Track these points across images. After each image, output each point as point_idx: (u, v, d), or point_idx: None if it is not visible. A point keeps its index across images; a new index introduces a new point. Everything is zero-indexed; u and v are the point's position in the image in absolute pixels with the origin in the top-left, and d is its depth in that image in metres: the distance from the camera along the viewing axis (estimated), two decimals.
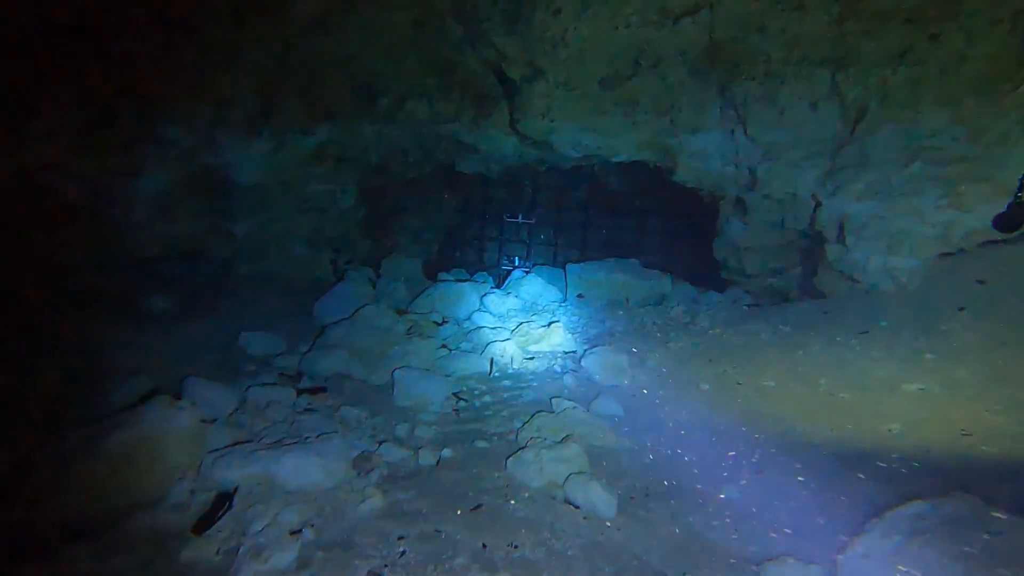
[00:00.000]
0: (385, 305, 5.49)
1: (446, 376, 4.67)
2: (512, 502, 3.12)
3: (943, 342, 4.53)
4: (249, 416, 4.07)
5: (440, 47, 6.53)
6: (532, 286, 7.49)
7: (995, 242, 4.94)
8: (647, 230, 10.59)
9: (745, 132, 6.61)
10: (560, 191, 10.67)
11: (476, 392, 4.69)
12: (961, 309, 4.79)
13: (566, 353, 5.46)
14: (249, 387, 4.39)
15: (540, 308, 7.13)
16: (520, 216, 10.28)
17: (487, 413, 4.32)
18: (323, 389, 4.54)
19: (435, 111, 7.20)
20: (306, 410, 4.25)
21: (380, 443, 3.78)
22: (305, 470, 3.27)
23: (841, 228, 5.90)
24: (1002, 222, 4.40)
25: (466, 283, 6.74)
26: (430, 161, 8.68)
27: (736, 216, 7.54)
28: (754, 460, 3.45)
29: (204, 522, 2.98)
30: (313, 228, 7.79)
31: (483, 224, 10.75)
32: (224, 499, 3.10)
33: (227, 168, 6.09)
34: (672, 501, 3.12)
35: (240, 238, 6.83)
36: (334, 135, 6.90)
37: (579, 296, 7.61)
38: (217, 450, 3.40)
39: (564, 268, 7.87)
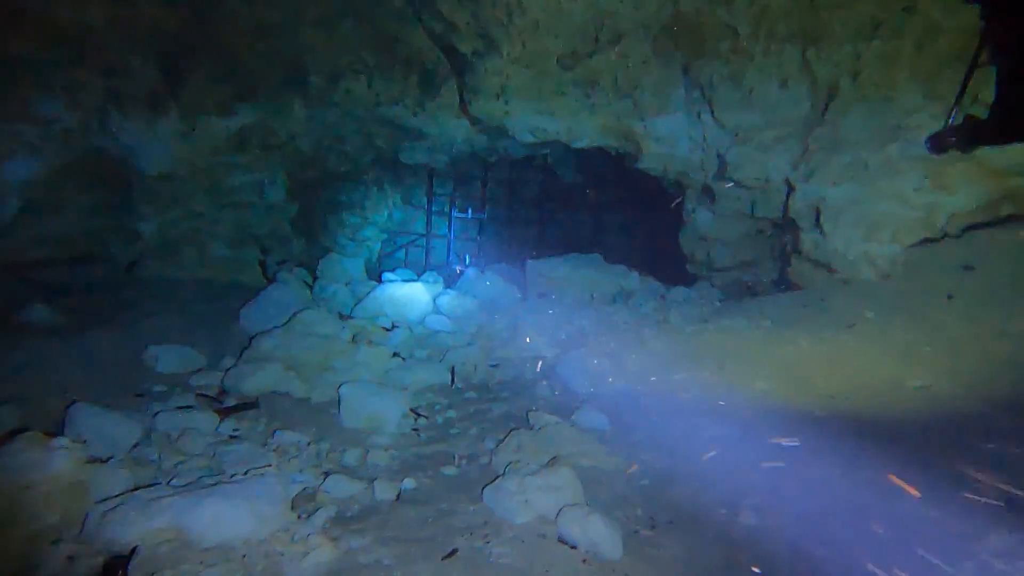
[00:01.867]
0: (325, 310, 4.85)
1: (401, 389, 4.10)
2: (494, 545, 2.60)
3: (937, 334, 4.36)
4: (157, 450, 3.36)
5: (379, 16, 5.93)
6: (490, 285, 6.99)
7: (982, 225, 4.84)
8: (605, 224, 10.31)
9: (712, 115, 6.37)
10: (512, 184, 10.24)
11: (438, 407, 4.13)
12: (950, 297, 4.64)
13: (535, 358, 4.98)
14: (157, 413, 3.66)
15: (500, 308, 6.63)
16: (470, 211, 9.75)
17: (453, 432, 3.78)
18: (254, 406, 3.87)
19: (375, 91, 6.59)
20: (231, 438, 3.57)
21: (326, 475, 3.17)
22: (229, 518, 2.63)
23: (817, 214, 5.73)
24: (935, 143, 4.10)
25: (416, 283, 6.15)
26: (370, 151, 8.02)
27: (703, 205, 7.31)
28: (766, 476, 3.08)
29: None
30: (237, 225, 6.98)
31: (429, 221, 10.15)
32: (117, 566, 2.42)
33: (126, 154, 5.25)
34: (685, 532, 2.69)
35: (147, 237, 5.97)
36: (258, 117, 6.16)
37: (541, 295, 7.17)
38: (109, 499, 2.71)
39: (523, 266, 7.41)
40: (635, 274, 7.08)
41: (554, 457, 3.08)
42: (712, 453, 3.35)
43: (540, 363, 4.81)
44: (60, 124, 4.44)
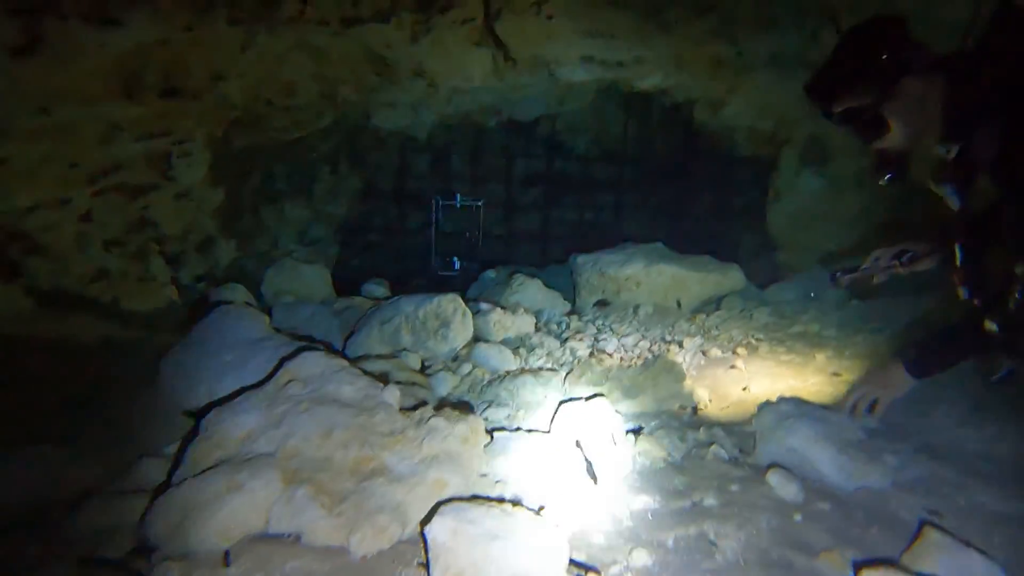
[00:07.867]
0: (326, 352, 2.83)
1: (513, 506, 2.18)
2: None
3: None
4: None
5: None
6: (530, 293, 5.15)
7: None
8: (629, 209, 8.66)
9: (838, 30, 4.88)
10: (509, 160, 8.40)
11: (600, 541, 2.23)
12: None
13: (686, 410, 3.18)
14: None
15: (553, 326, 4.82)
16: (458, 197, 7.83)
17: None
18: None
19: (352, 2, 4.60)
20: None
21: None
22: None
23: None
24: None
25: (440, 297, 4.17)
26: (330, 109, 5.96)
27: (810, 168, 5.78)
28: None
29: None
30: (130, 221, 4.78)
31: (401, 212, 8.13)
32: None
33: None
34: None
35: None
36: (159, 34, 4.01)
37: (598, 304, 5.42)
38: None
39: (570, 263, 5.64)
40: (736, 268, 5.44)
41: None
42: None
43: (725, 432, 2.99)
44: None
